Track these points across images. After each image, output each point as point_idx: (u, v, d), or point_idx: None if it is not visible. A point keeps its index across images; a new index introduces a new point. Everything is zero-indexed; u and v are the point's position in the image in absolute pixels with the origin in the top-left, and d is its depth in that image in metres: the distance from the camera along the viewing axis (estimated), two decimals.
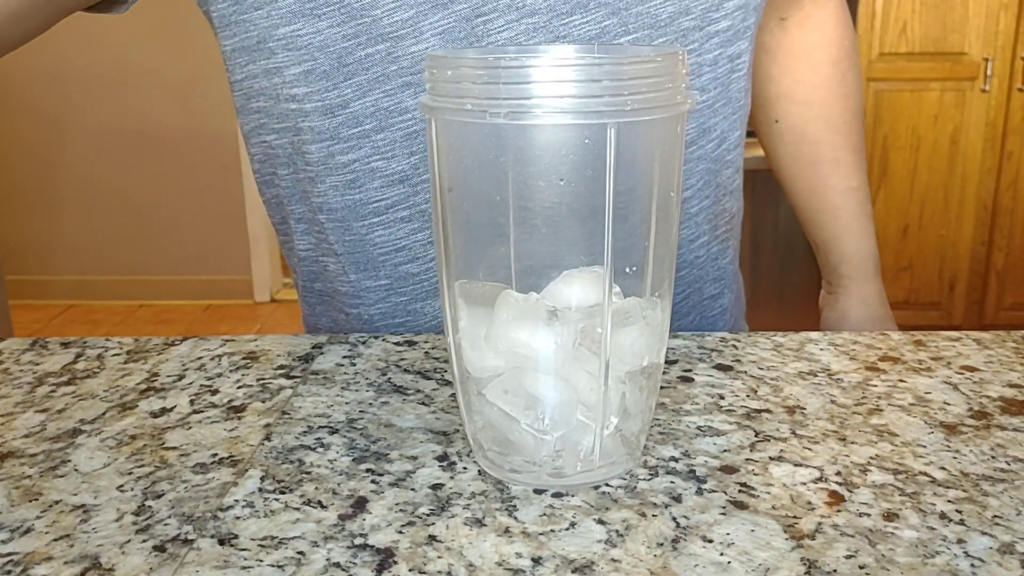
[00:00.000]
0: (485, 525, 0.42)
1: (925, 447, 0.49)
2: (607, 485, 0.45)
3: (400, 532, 0.42)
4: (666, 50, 0.43)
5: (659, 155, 0.43)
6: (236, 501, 0.45)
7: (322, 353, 0.63)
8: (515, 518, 0.43)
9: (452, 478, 0.46)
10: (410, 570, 0.39)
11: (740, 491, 0.45)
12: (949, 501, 0.44)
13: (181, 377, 0.60)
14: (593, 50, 0.55)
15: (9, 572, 0.40)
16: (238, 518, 0.43)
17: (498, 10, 0.61)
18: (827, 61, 0.82)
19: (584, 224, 0.43)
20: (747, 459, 0.48)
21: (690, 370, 0.59)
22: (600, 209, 0.42)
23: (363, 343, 0.64)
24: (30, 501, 0.45)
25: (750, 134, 0.76)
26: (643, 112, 0.40)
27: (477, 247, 0.44)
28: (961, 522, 0.42)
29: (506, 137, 0.41)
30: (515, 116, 0.40)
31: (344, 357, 0.62)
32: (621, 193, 0.42)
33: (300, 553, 0.40)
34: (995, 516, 0.42)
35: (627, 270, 0.44)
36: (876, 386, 0.56)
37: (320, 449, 0.50)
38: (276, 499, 0.45)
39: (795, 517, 0.42)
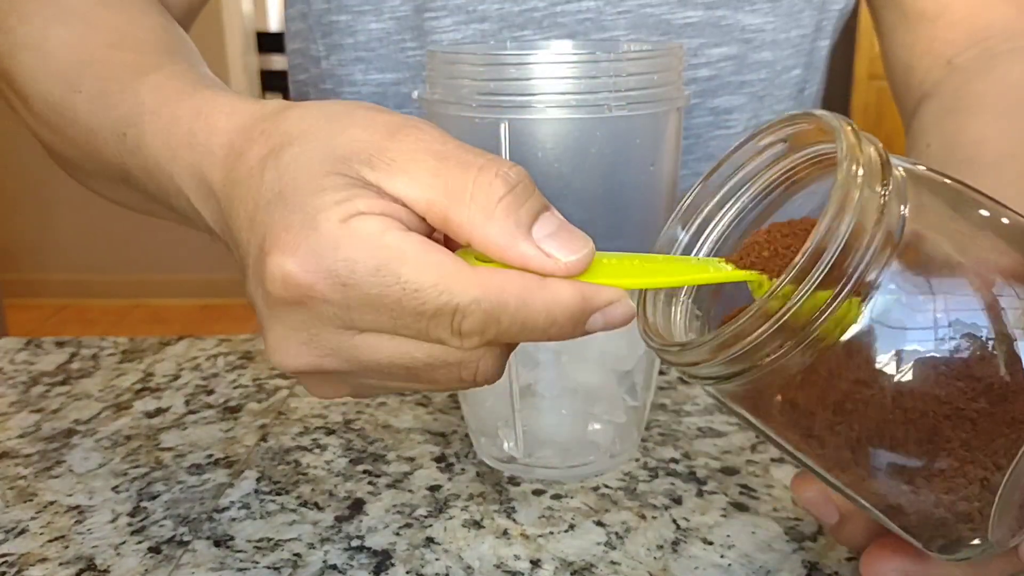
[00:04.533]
0: (483, 527, 0.42)
1: None
2: (606, 487, 0.45)
3: (397, 534, 0.41)
4: (663, 45, 0.43)
5: (657, 148, 0.43)
6: (232, 502, 0.44)
7: None
8: (514, 520, 0.42)
9: (450, 479, 0.46)
10: (407, 572, 0.39)
11: (741, 493, 0.44)
12: None
13: (176, 377, 0.59)
14: (590, 45, 0.54)
15: (4, 573, 0.39)
16: (234, 520, 0.43)
17: (447, 9, 0.61)
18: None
19: (583, 217, 0.43)
20: (748, 461, 0.47)
21: None
22: (599, 202, 0.42)
23: None
24: (25, 502, 0.45)
25: None
26: (640, 106, 0.40)
27: None
28: None
29: (506, 132, 0.40)
30: (515, 111, 0.39)
31: None
32: (619, 187, 0.42)
33: (296, 555, 0.40)
34: None
35: None
36: None
37: (316, 450, 0.49)
38: (272, 500, 0.44)
39: (796, 519, 0.42)
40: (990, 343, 0.28)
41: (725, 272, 0.33)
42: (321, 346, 0.31)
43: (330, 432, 0.51)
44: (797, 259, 0.27)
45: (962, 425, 0.28)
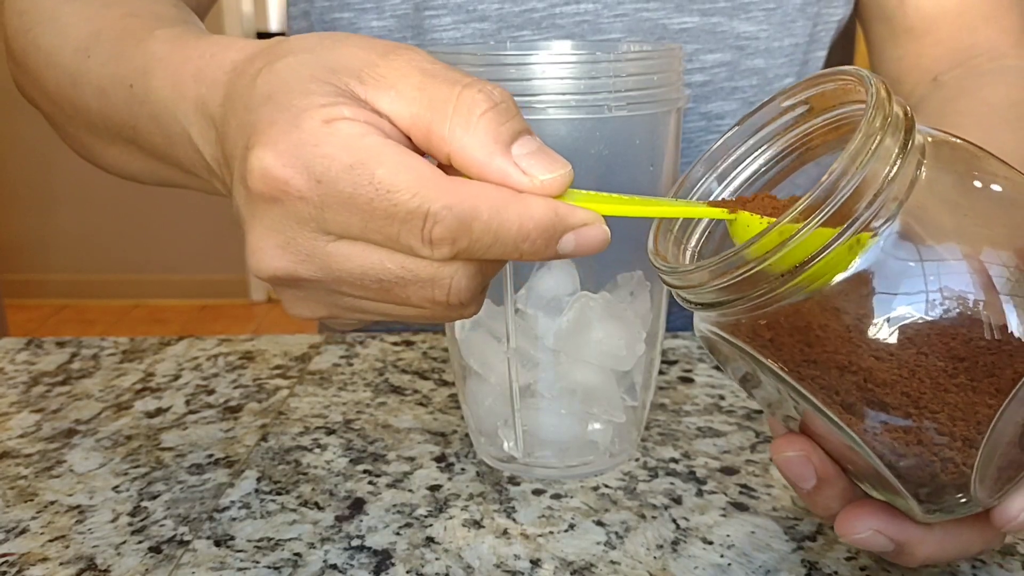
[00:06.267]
0: (483, 526, 0.42)
1: None
2: (606, 486, 0.45)
3: (397, 534, 0.41)
4: (662, 46, 0.43)
5: (657, 149, 0.43)
6: (232, 502, 0.44)
7: (319, 353, 0.63)
8: (513, 519, 0.42)
9: (450, 479, 0.46)
10: (407, 572, 0.39)
11: (740, 492, 0.44)
12: None
13: (177, 377, 0.60)
14: (590, 46, 0.55)
15: (4, 573, 0.39)
16: (234, 519, 0.43)
17: (447, 8, 0.61)
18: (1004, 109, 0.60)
19: None
20: (747, 460, 0.47)
21: (690, 370, 0.58)
22: None
23: (360, 343, 0.64)
24: (25, 502, 0.45)
25: None
26: (640, 107, 0.40)
27: None
28: None
29: None
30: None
31: (341, 357, 0.62)
32: (619, 187, 0.42)
33: (297, 555, 0.40)
34: None
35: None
36: None
37: (317, 450, 0.49)
38: (272, 500, 0.44)
39: (796, 519, 0.42)
40: (977, 313, 0.29)
41: (700, 208, 0.34)
42: (296, 250, 0.31)
43: (330, 432, 0.51)
44: (806, 196, 0.28)
45: (946, 389, 0.29)
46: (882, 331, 0.29)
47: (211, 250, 3.52)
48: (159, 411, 0.55)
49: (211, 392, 0.57)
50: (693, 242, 0.36)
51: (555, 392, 0.45)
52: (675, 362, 0.60)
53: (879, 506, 0.33)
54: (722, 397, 0.55)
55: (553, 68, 0.39)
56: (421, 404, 0.55)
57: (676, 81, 0.42)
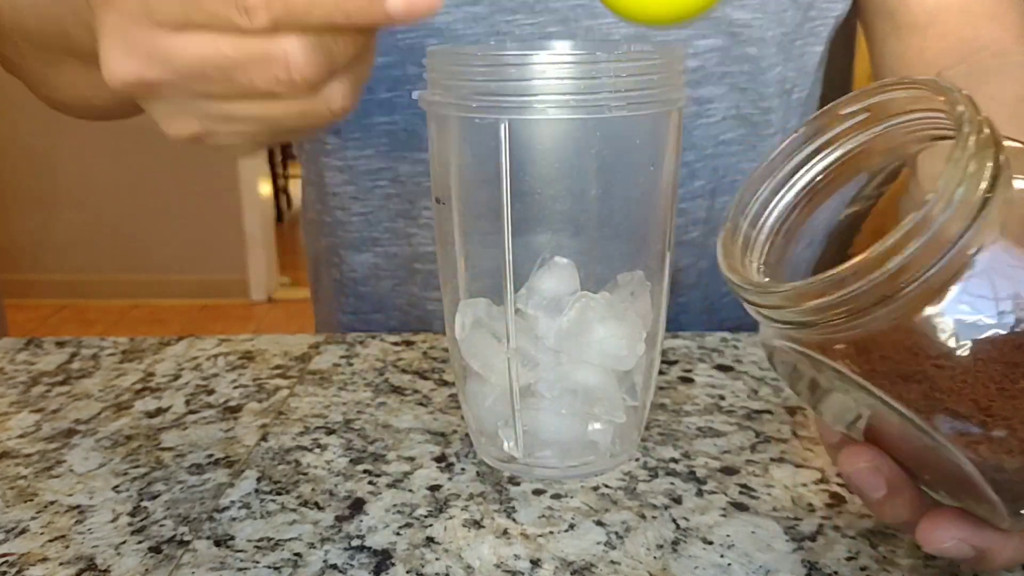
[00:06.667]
0: (483, 527, 0.42)
1: None
2: (606, 486, 0.45)
3: (398, 534, 0.41)
4: (662, 46, 0.43)
5: (657, 149, 0.43)
6: (232, 502, 0.44)
7: (319, 353, 0.62)
8: (514, 519, 0.42)
9: (450, 479, 0.46)
10: (408, 572, 0.39)
11: (740, 492, 0.44)
12: None
13: (176, 377, 0.60)
14: (589, 46, 0.55)
15: (4, 573, 0.39)
16: (234, 519, 0.43)
17: None
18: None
19: (583, 218, 0.43)
20: (747, 460, 0.47)
21: (690, 370, 0.58)
22: (599, 202, 0.42)
23: (360, 343, 0.64)
24: (25, 502, 0.45)
25: None
26: (640, 106, 0.40)
27: (477, 242, 0.44)
28: None
29: (507, 132, 0.40)
30: (515, 111, 0.39)
31: (341, 357, 0.62)
32: (620, 187, 0.42)
33: (297, 555, 0.40)
34: None
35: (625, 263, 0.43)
36: None
37: (317, 450, 0.49)
38: (272, 500, 0.44)
39: (796, 519, 0.42)
40: None
41: None
42: (138, 52, 0.32)
43: (330, 432, 0.51)
44: (904, 223, 0.27)
45: (1013, 395, 0.28)
46: (967, 345, 0.28)
47: (211, 250, 3.52)
48: (159, 411, 0.55)
49: (211, 392, 0.57)
50: (757, 253, 0.35)
51: (556, 392, 0.45)
52: (675, 362, 0.60)
53: (958, 514, 0.33)
54: (722, 397, 0.55)
55: (553, 68, 0.39)
56: (421, 404, 0.54)
57: (676, 81, 0.42)
